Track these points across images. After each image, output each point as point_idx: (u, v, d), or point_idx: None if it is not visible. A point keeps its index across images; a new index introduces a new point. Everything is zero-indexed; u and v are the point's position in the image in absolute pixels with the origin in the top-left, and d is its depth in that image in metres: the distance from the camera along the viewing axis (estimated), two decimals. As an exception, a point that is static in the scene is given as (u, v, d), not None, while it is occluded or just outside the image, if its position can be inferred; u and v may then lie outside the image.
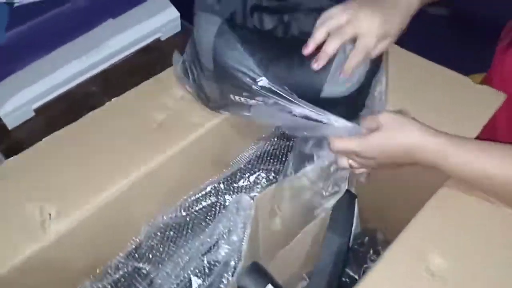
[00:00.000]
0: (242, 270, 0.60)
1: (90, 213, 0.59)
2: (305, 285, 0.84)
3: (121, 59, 1.03)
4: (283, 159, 0.72)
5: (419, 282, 0.53)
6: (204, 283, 0.62)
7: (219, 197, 0.68)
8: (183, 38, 1.10)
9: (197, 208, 0.67)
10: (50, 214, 0.58)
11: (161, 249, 0.64)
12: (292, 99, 0.57)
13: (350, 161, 0.63)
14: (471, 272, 0.54)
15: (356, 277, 0.80)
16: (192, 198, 0.68)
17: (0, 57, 0.87)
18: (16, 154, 0.65)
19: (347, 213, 0.72)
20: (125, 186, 0.61)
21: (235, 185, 0.69)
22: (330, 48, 0.58)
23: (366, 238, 0.82)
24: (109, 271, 0.64)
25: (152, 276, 0.64)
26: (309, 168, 0.65)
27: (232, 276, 0.60)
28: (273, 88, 0.57)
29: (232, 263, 0.60)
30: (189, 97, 0.70)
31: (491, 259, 0.55)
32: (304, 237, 0.78)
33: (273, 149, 0.73)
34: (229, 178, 0.70)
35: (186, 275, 0.63)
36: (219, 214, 0.66)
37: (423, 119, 0.67)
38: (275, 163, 0.70)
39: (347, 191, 0.68)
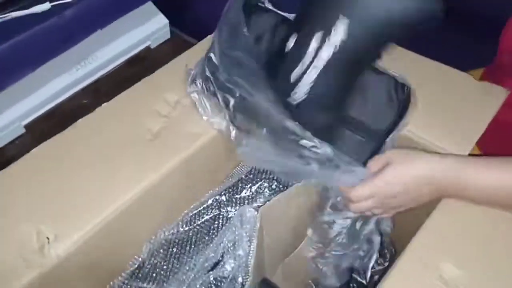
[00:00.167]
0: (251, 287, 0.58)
1: (89, 235, 0.57)
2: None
3: (111, 70, 1.01)
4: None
5: (434, 291, 0.52)
6: (212, 301, 0.60)
7: (221, 209, 0.66)
8: (172, 46, 1.08)
9: (199, 222, 0.65)
10: (48, 238, 0.56)
11: (165, 267, 0.62)
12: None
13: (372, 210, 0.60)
14: (485, 279, 0.53)
15: (364, 282, 0.78)
16: (194, 212, 0.66)
17: (-13, 74, 0.84)
18: (8, 173, 0.62)
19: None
20: (125, 204, 0.59)
21: (237, 196, 0.67)
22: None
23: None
24: (112, 292, 0.62)
25: (157, 295, 0.62)
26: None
27: (241, 292, 0.59)
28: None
29: (240, 279, 0.58)
30: (185, 102, 0.69)
31: (504, 264, 0.54)
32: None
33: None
34: (230, 190, 0.68)
35: (192, 293, 0.61)
36: (223, 227, 0.64)
37: (427, 120, 0.66)
38: (277, 172, 0.68)
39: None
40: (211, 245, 0.63)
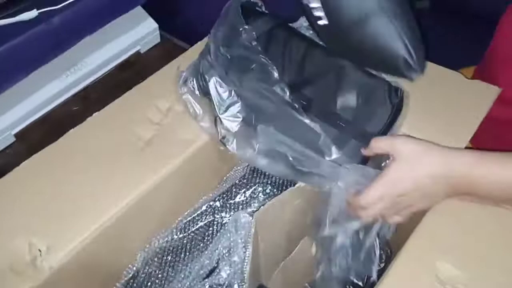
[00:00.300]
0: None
1: (82, 246, 0.56)
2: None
3: (101, 76, 1.00)
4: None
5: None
6: (208, 308, 0.60)
7: (216, 215, 0.66)
8: (162, 50, 1.08)
9: (193, 229, 0.65)
10: (40, 250, 0.55)
11: (160, 275, 0.62)
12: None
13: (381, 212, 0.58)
14: (481, 278, 0.53)
15: (360, 283, 0.78)
16: (188, 219, 0.65)
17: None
18: (-2, 182, 0.61)
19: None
20: (118, 214, 0.58)
21: (231, 201, 0.67)
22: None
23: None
24: (107, 302, 0.61)
25: (152, 304, 0.61)
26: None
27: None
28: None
29: (236, 286, 0.57)
30: (177, 109, 0.68)
31: (501, 263, 0.54)
32: (306, 245, 0.77)
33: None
34: (224, 195, 0.67)
35: (188, 301, 0.60)
36: (218, 233, 0.64)
37: (420, 119, 0.65)
38: (271, 176, 0.68)
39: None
40: (206, 252, 0.62)
